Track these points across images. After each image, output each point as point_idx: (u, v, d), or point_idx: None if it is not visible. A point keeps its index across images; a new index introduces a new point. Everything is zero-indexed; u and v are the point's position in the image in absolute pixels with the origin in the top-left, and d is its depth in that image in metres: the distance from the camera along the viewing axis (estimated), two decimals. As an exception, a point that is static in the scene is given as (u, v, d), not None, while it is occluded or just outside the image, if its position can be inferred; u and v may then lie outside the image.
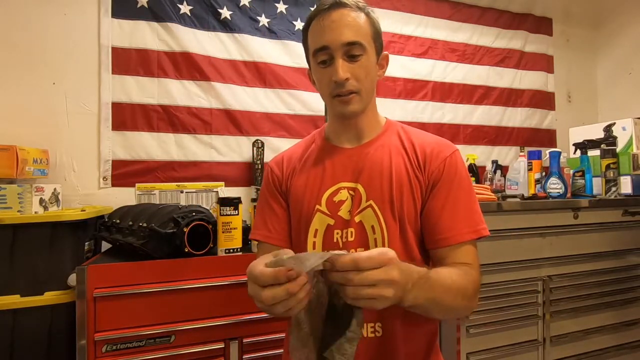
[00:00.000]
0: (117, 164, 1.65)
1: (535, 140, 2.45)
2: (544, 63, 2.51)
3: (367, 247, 0.75)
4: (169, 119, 1.72)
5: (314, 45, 0.77)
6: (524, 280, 1.47)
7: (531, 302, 1.49)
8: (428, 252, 0.79)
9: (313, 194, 0.80)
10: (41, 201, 1.32)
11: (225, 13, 1.82)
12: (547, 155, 1.76)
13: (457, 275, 0.69)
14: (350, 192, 0.78)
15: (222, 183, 1.80)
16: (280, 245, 0.82)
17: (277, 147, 1.87)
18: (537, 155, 1.84)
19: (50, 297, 1.20)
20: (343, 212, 0.77)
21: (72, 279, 1.15)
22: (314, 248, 0.78)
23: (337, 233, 0.77)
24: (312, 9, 0.79)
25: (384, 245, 0.74)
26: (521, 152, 1.98)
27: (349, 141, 0.83)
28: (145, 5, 1.70)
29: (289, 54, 1.92)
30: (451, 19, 2.28)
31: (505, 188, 1.96)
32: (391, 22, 2.13)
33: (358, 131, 0.82)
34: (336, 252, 0.54)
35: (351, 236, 0.76)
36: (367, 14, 0.78)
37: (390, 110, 2.05)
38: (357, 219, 0.76)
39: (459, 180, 0.77)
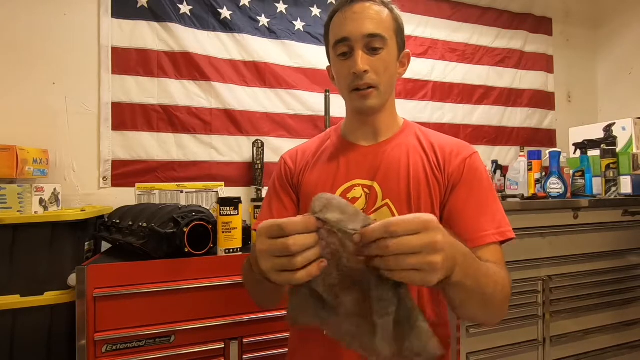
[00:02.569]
0: (117, 164, 1.65)
1: (535, 140, 2.45)
2: (544, 63, 2.50)
3: None
4: (169, 119, 1.72)
5: (334, 37, 0.76)
6: (524, 280, 1.47)
7: (531, 302, 1.49)
8: None
9: (325, 190, 0.77)
10: (41, 201, 1.32)
11: (225, 13, 1.82)
12: (547, 155, 1.76)
13: (494, 266, 0.64)
14: (365, 190, 0.76)
15: (222, 183, 1.80)
16: None
17: (277, 147, 1.87)
18: (537, 155, 1.85)
19: (50, 297, 1.20)
20: None
21: (72, 279, 1.15)
22: None
23: None
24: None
25: None
26: (521, 152, 1.98)
27: (365, 139, 0.82)
28: (145, 5, 1.70)
29: (289, 54, 1.92)
30: (451, 19, 2.28)
31: (505, 188, 1.96)
32: (391, 22, 2.13)
33: (375, 129, 0.81)
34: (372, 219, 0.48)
35: None
36: (391, 10, 0.77)
37: (390, 110, 2.05)
38: (372, 217, 0.75)
39: (480, 182, 0.75)
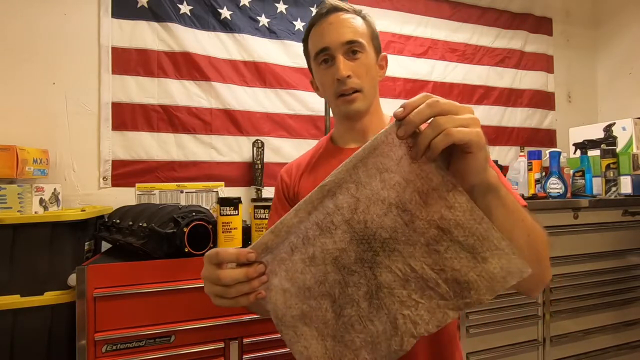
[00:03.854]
0: (117, 164, 1.65)
1: (535, 140, 2.45)
2: (544, 63, 2.51)
3: None
4: (169, 119, 1.72)
5: (315, 49, 0.79)
6: (524, 280, 1.47)
7: (531, 302, 1.49)
8: None
9: None
10: (41, 201, 1.32)
11: (225, 13, 1.82)
12: (547, 155, 1.76)
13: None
14: None
15: (222, 183, 1.80)
16: None
17: (277, 147, 1.87)
18: (537, 155, 1.85)
19: (50, 297, 1.20)
20: None
21: (72, 279, 1.15)
22: None
23: None
24: (312, 9, 0.81)
25: None
26: (521, 152, 1.98)
27: (354, 142, 0.84)
28: (145, 5, 1.70)
29: (289, 54, 1.92)
30: (451, 19, 2.28)
31: (505, 188, 1.96)
32: (391, 22, 2.13)
33: (364, 131, 0.83)
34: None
35: None
36: (364, 17, 0.81)
37: (391, 110, 2.05)
38: None
39: None
